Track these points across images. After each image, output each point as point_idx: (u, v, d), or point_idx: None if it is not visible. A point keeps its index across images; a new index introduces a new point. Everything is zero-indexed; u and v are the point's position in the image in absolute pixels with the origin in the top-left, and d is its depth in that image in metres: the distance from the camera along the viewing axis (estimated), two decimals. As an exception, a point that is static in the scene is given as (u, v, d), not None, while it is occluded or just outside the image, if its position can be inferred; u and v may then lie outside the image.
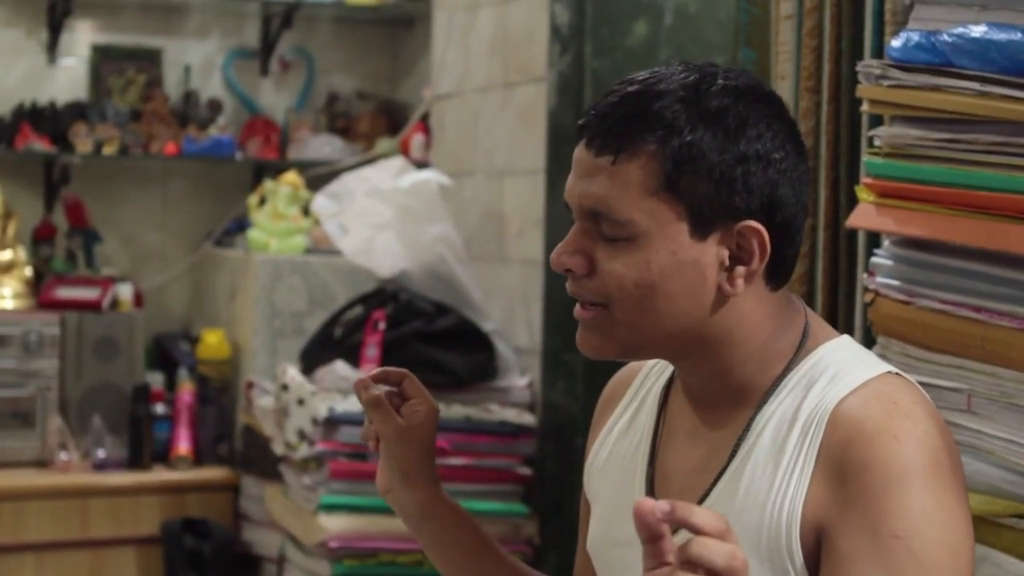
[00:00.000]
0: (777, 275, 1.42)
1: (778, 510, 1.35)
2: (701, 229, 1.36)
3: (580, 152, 1.41)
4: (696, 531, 1.08)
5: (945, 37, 1.71)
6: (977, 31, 1.68)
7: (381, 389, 1.62)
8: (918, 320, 1.78)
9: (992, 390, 1.70)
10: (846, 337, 1.47)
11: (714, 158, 1.35)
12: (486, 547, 1.65)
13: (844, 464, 1.33)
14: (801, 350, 1.43)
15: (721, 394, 1.44)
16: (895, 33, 1.85)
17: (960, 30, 1.70)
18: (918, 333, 1.78)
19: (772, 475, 1.37)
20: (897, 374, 1.41)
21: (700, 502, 1.41)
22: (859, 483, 1.32)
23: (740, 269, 1.38)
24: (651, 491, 1.48)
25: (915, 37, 1.75)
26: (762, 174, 1.37)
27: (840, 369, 1.40)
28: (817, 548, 1.34)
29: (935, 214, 1.75)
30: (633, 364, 1.62)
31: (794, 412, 1.38)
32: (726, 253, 1.38)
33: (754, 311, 1.41)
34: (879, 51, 2.00)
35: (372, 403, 1.61)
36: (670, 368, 1.54)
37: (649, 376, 1.58)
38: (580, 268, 1.40)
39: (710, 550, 1.07)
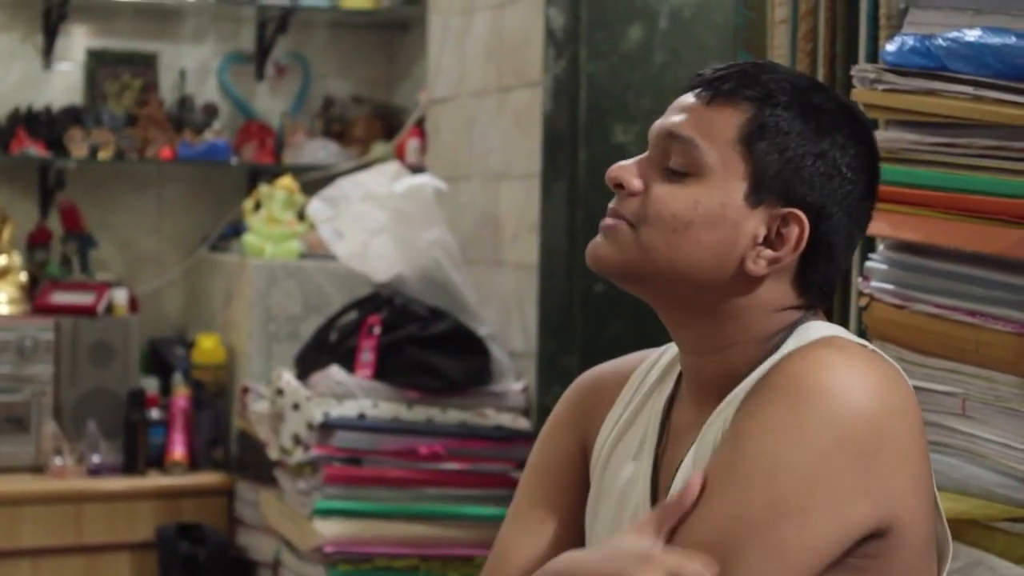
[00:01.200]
0: (805, 287, 1.43)
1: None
2: (755, 196, 1.40)
3: (682, 97, 1.45)
4: None
5: (940, 41, 1.72)
6: (971, 35, 1.69)
7: None
8: (913, 324, 1.78)
9: (986, 394, 1.70)
10: (837, 326, 1.46)
11: (795, 141, 1.40)
12: None
13: (767, 381, 1.35)
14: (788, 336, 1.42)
15: (716, 379, 1.43)
16: (890, 37, 1.85)
17: (955, 34, 1.70)
18: (913, 337, 1.78)
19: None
20: (873, 350, 1.40)
21: (675, 472, 1.43)
22: (748, 397, 1.36)
23: (768, 252, 1.40)
24: (655, 489, 1.47)
25: (910, 41, 1.76)
26: (827, 180, 1.40)
27: (812, 332, 1.40)
28: None
29: (930, 218, 1.75)
30: (621, 365, 1.61)
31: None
32: (763, 231, 1.40)
33: (767, 301, 1.42)
34: (874, 55, 2.00)
35: None
36: (674, 367, 1.53)
37: (649, 375, 1.56)
38: (633, 186, 1.43)
39: None
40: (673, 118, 1.43)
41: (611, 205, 1.45)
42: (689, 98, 1.44)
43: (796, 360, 1.35)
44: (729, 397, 1.41)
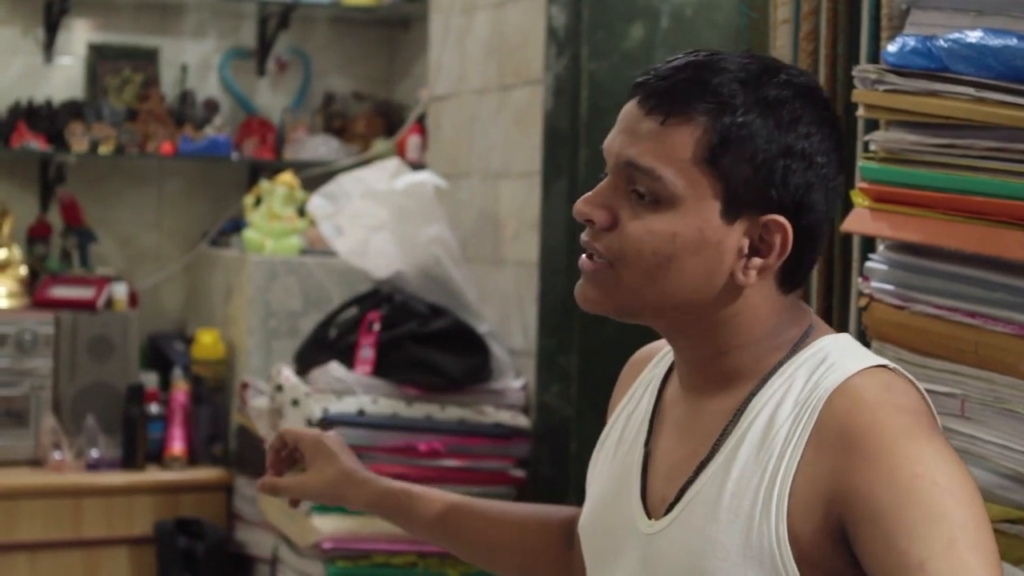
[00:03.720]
0: (791, 277, 1.43)
1: (767, 493, 1.34)
2: (731, 212, 1.37)
3: (630, 108, 1.41)
4: None
5: (941, 42, 1.71)
6: (973, 36, 1.69)
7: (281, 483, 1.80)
8: (912, 325, 1.78)
9: (986, 395, 1.70)
10: (845, 335, 1.47)
11: (760, 144, 1.36)
12: (458, 507, 1.70)
13: (847, 431, 1.32)
14: (802, 343, 1.43)
15: (713, 379, 1.43)
16: (891, 38, 1.85)
17: (956, 35, 1.70)
18: (912, 338, 1.79)
19: (765, 460, 1.36)
20: (893, 369, 1.41)
21: (684, 489, 1.41)
22: (867, 443, 1.31)
23: (756, 261, 1.39)
24: (644, 479, 1.48)
25: (911, 42, 1.75)
26: (802, 173, 1.37)
27: (838, 359, 1.40)
28: (820, 528, 1.32)
29: (930, 219, 1.75)
30: (650, 348, 1.62)
31: (785, 397, 1.38)
32: (747, 242, 1.38)
33: (760, 305, 1.42)
34: (875, 56, 2.00)
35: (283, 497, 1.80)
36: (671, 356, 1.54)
37: (660, 363, 1.57)
38: (603, 221, 1.40)
39: None
40: (628, 143, 1.39)
41: (584, 238, 1.42)
42: (639, 116, 1.39)
43: (870, 403, 1.34)
44: (755, 438, 1.39)
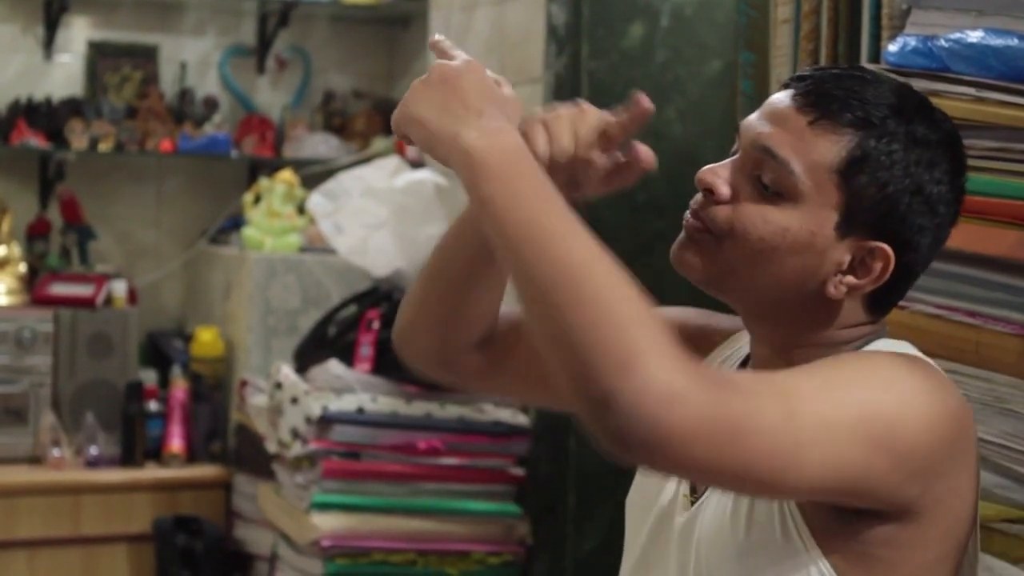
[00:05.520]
0: (878, 304, 1.44)
1: None
2: (846, 228, 1.38)
3: (781, 98, 1.41)
4: None
5: (942, 42, 1.72)
6: (974, 36, 1.69)
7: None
8: (913, 325, 1.78)
9: (986, 395, 1.71)
10: (906, 342, 1.46)
11: (897, 174, 1.37)
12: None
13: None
14: (864, 345, 1.44)
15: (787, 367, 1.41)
16: (892, 38, 1.85)
17: (957, 35, 1.70)
18: (913, 337, 1.78)
19: None
20: (926, 362, 1.40)
21: None
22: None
23: (851, 279, 1.39)
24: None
25: (912, 42, 1.76)
26: (922, 216, 1.38)
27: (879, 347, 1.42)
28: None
29: (930, 219, 1.75)
30: (729, 327, 1.59)
31: None
32: (848, 259, 1.39)
33: (842, 317, 1.43)
34: (876, 55, 2.00)
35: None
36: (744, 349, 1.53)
37: (729, 358, 1.57)
38: (724, 193, 1.40)
39: None
40: (770, 130, 1.39)
41: (697, 205, 1.42)
42: (789, 107, 1.40)
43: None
44: None
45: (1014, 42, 1.66)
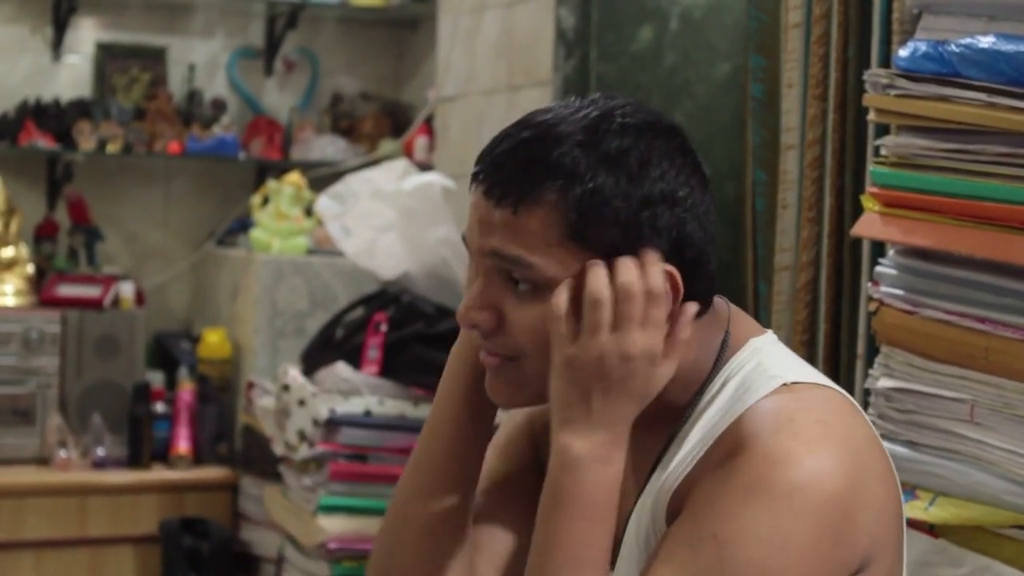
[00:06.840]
0: (697, 296, 1.35)
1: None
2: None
3: (478, 200, 1.33)
4: None
5: (953, 47, 1.71)
6: (985, 42, 1.68)
7: None
8: (922, 330, 1.78)
9: (995, 401, 1.70)
10: (765, 338, 1.41)
11: (619, 204, 1.29)
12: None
13: (718, 471, 1.30)
14: (717, 363, 1.38)
15: (648, 417, 1.36)
16: (902, 42, 1.85)
17: (968, 40, 1.70)
18: (922, 343, 1.78)
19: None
20: (814, 384, 1.35)
21: (625, 523, 1.38)
22: (713, 485, 1.29)
23: None
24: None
25: (923, 47, 1.75)
26: (669, 215, 1.31)
27: (749, 380, 1.35)
28: None
29: (940, 224, 1.75)
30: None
31: (705, 427, 1.35)
32: None
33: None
34: (886, 60, 2.00)
35: None
36: None
37: None
38: (489, 325, 1.34)
39: None
40: (489, 237, 1.31)
41: (479, 343, 1.37)
42: (489, 207, 1.31)
43: (758, 447, 1.28)
44: (678, 458, 1.36)
45: (1025, 47, 1.65)
